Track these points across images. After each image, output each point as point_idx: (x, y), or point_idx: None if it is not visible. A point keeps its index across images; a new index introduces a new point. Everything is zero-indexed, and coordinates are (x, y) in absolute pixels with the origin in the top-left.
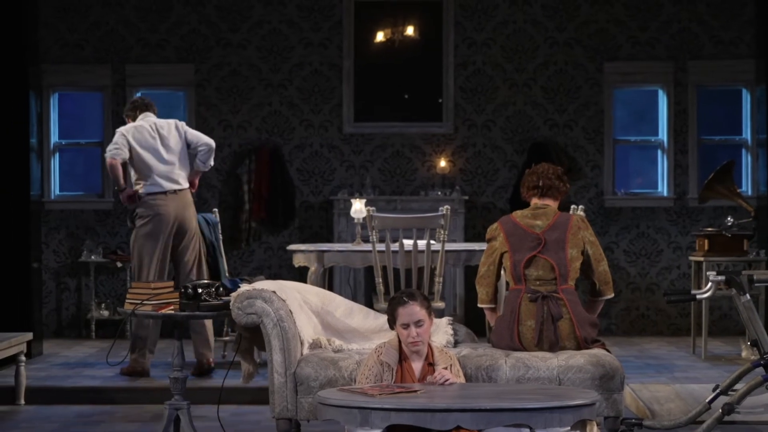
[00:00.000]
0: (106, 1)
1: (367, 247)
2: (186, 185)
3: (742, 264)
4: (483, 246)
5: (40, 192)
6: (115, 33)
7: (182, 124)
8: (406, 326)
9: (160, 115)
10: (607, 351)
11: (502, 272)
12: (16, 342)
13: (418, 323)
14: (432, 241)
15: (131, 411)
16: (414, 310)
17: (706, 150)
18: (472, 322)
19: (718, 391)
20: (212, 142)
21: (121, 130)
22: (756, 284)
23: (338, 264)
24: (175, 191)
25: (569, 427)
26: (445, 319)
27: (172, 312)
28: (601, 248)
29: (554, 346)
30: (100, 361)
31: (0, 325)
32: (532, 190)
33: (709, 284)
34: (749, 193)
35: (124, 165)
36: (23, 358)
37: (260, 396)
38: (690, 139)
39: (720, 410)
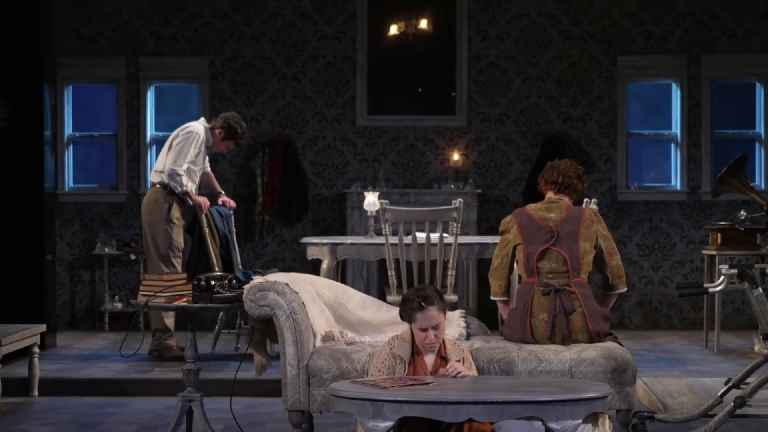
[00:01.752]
0: None
1: (380, 240)
2: (153, 183)
3: (755, 258)
4: (496, 239)
5: (54, 184)
6: (129, 25)
7: (180, 133)
8: (424, 330)
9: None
10: (620, 344)
11: (515, 265)
12: (30, 334)
13: (435, 326)
14: (445, 234)
15: (144, 402)
16: (432, 315)
17: (720, 144)
18: (484, 315)
19: (730, 384)
20: (170, 170)
21: None
22: None
23: (351, 257)
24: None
25: (581, 420)
26: (457, 312)
27: (185, 304)
28: (613, 242)
29: (566, 340)
30: (114, 353)
31: (14, 317)
32: (550, 184)
33: (722, 278)
34: (762, 187)
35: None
36: (37, 349)
37: (273, 388)
38: (703, 133)
39: (732, 403)
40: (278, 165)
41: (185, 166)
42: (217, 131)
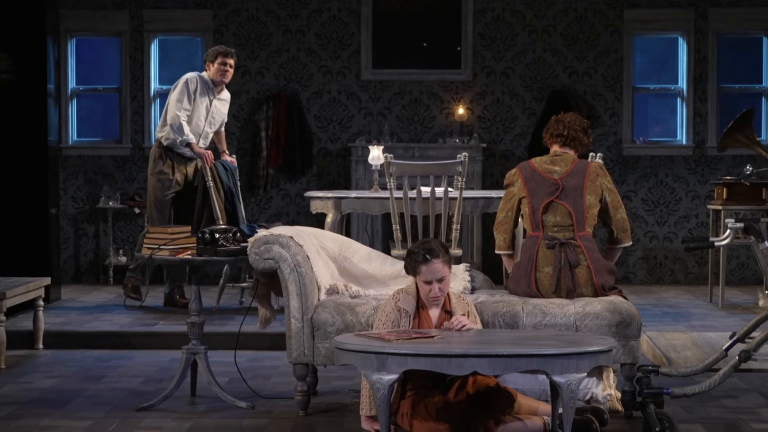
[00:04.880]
0: None
1: (385, 194)
2: (157, 138)
3: (760, 212)
4: (500, 193)
5: (58, 138)
6: None
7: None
8: (429, 282)
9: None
10: (624, 298)
11: (520, 219)
12: (34, 287)
13: (440, 279)
14: (450, 188)
15: (149, 355)
16: (437, 268)
17: (726, 98)
18: (489, 269)
19: (734, 338)
20: (170, 122)
21: None
22: None
23: (356, 211)
24: None
25: (586, 374)
26: (462, 266)
27: (190, 257)
28: (619, 196)
29: (571, 293)
30: (118, 306)
31: (18, 270)
32: (556, 138)
33: (728, 231)
34: None
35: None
36: (41, 302)
37: (277, 341)
38: (709, 87)
39: (736, 358)
40: (283, 119)
41: (183, 115)
42: (206, 65)
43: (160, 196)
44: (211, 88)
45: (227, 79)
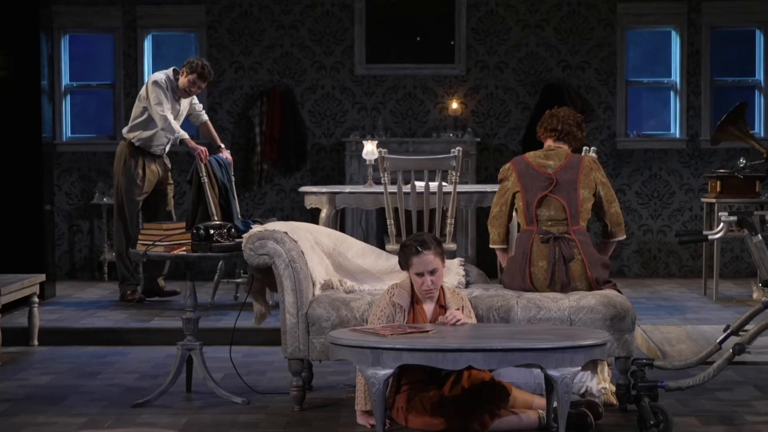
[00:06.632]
0: None
1: (379, 188)
2: (123, 137)
3: (754, 205)
4: (495, 188)
5: (52, 134)
6: None
7: (148, 86)
8: (421, 275)
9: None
10: (619, 292)
11: (514, 213)
12: (29, 283)
13: (432, 272)
14: (444, 183)
15: (144, 351)
16: (428, 259)
17: (719, 91)
18: (483, 263)
19: (729, 331)
20: (161, 123)
21: None
22: None
23: (350, 206)
24: None
25: (580, 368)
26: (456, 260)
27: (184, 253)
28: (613, 190)
29: (566, 287)
30: (113, 302)
31: (13, 266)
32: (550, 132)
33: (721, 225)
34: (762, 134)
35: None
36: (36, 299)
37: (272, 337)
38: (703, 81)
39: (731, 350)
40: (277, 114)
41: (169, 114)
42: (182, 71)
43: (132, 196)
44: (174, 89)
45: (191, 96)
